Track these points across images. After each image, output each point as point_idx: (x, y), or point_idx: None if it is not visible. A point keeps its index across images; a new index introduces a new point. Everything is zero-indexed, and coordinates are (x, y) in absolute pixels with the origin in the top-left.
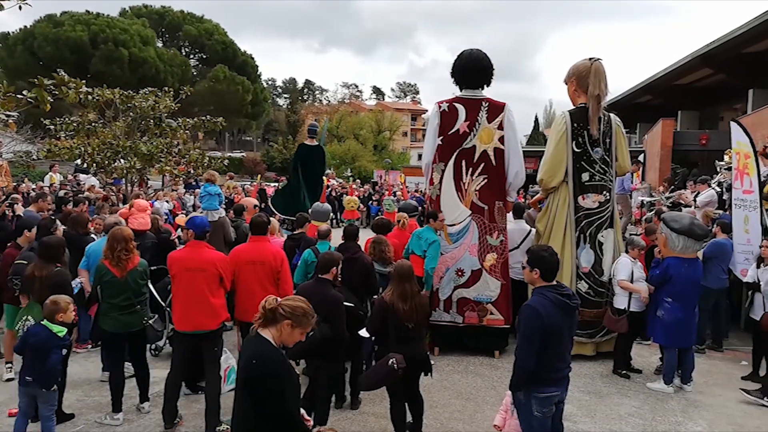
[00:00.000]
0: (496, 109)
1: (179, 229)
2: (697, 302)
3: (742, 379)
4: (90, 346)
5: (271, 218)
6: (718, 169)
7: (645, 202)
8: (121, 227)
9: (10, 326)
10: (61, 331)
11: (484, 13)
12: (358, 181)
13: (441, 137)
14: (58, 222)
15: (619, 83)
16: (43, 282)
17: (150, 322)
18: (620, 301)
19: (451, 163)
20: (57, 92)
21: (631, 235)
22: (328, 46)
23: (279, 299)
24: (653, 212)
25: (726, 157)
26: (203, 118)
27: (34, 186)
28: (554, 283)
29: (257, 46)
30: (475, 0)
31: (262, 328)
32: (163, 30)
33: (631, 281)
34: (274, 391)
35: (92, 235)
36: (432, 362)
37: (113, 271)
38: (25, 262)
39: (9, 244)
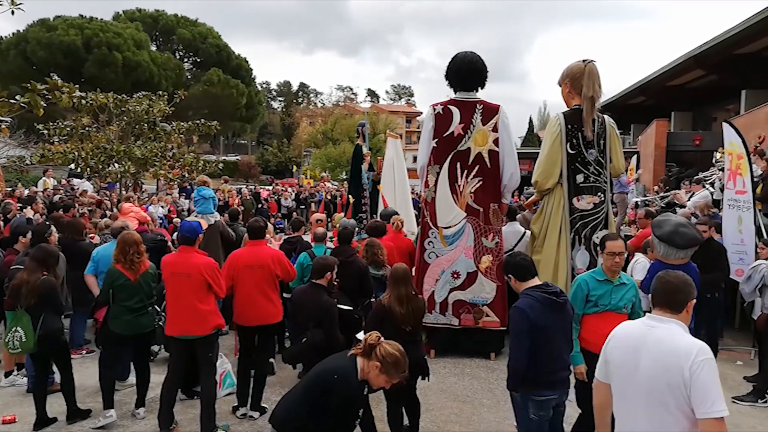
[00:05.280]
0: (491, 111)
1: (175, 233)
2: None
3: (744, 379)
4: (85, 351)
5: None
6: (715, 163)
7: (639, 203)
8: (130, 231)
9: None
10: None
11: (472, 15)
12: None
13: (436, 139)
14: (53, 228)
15: (608, 84)
16: (31, 289)
17: (161, 323)
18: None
19: (446, 165)
20: (50, 97)
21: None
22: (323, 48)
23: (382, 339)
24: (643, 210)
25: (718, 154)
26: (197, 121)
27: (27, 191)
28: (539, 283)
29: (251, 49)
30: (463, 1)
31: (359, 355)
32: (157, 34)
33: None
34: (332, 410)
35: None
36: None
37: (126, 275)
38: (21, 267)
39: (7, 251)
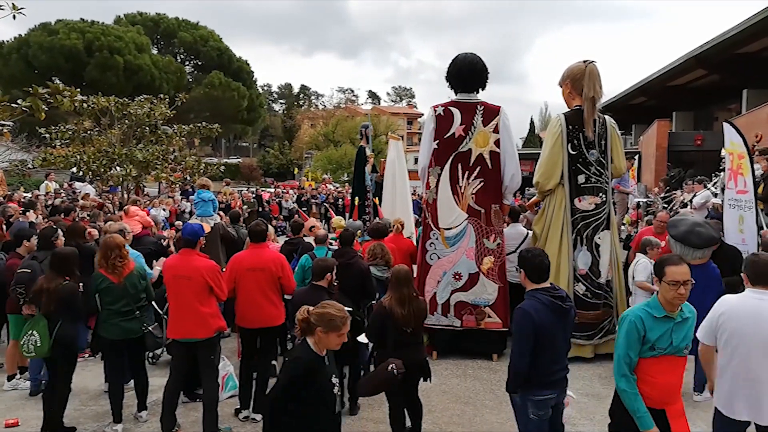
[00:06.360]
0: (492, 112)
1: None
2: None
3: None
4: (87, 355)
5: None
6: (721, 165)
7: (641, 203)
8: (113, 235)
9: (15, 336)
10: None
11: (471, 15)
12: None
13: (437, 141)
14: (59, 231)
15: (609, 84)
16: (50, 295)
17: (150, 328)
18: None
19: (447, 166)
20: (52, 101)
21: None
22: (322, 50)
23: (309, 309)
24: (651, 214)
25: (723, 151)
26: (199, 124)
27: (29, 195)
28: (547, 285)
29: (252, 52)
30: (462, 1)
31: (305, 337)
32: (158, 37)
33: (652, 283)
34: (305, 395)
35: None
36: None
37: (110, 278)
38: (28, 270)
39: (10, 254)
